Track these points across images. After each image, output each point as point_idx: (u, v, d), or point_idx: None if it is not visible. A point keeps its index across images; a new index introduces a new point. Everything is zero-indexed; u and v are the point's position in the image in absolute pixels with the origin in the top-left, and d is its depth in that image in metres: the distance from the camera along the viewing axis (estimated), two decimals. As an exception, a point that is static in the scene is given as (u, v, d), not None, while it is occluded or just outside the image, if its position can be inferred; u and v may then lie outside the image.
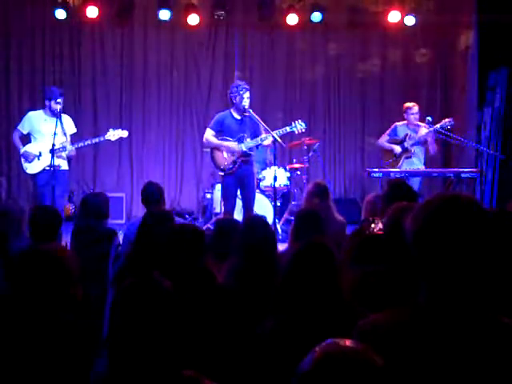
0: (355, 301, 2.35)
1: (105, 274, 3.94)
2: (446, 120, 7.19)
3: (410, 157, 7.24)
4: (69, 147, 6.58)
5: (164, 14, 8.86)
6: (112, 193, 8.11)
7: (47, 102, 6.62)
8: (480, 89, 9.30)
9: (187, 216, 8.93)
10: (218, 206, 8.06)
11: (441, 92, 9.77)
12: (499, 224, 2.47)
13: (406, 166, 7.23)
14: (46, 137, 6.53)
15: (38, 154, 6.54)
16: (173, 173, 9.72)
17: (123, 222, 8.54)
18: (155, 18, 9.00)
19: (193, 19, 8.99)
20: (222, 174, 6.55)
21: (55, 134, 6.37)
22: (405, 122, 7.34)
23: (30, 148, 6.59)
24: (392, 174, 6.86)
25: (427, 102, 9.63)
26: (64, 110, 6.79)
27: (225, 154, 6.45)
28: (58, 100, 6.54)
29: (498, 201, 9.11)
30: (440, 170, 7.92)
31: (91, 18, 8.89)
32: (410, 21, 9.06)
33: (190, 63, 9.66)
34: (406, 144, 7.27)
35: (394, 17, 9.05)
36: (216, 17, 9.23)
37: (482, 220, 1.54)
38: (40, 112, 6.70)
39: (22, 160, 6.60)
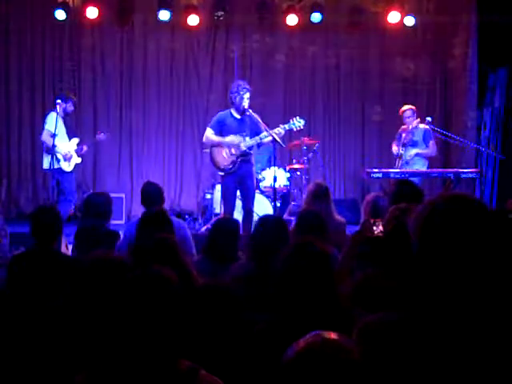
0: (356, 303, 2.35)
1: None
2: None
3: (407, 162, 7.37)
4: (85, 147, 7.29)
5: (164, 15, 8.85)
6: (112, 193, 8.10)
7: (63, 104, 7.00)
8: (480, 89, 9.31)
9: (187, 217, 8.92)
10: (218, 207, 8.05)
11: (440, 92, 9.77)
12: (500, 223, 2.48)
13: (403, 167, 7.39)
14: (65, 137, 7.03)
15: (67, 153, 7.06)
16: (173, 173, 9.72)
17: (123, 222, 8.53)
18: (155, 19, 8.99)
19: (193, 20, 8.99)
20: (222, 174, 6.54)
21: (55, 134, 6.62)
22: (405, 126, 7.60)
23: (62, 148, 7.00)
24: (392, 175, 6.87)
25: (427, 103, 9.66)
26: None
27: (224, 154, 6.44)
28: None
29: (497, 201, 9.12)
30: (440, 170, 7.93)
31: (91, 19, 8.88)
32: (409, 21, 9.05)
33: (190, 64, 9.66)
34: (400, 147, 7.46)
35: (393, 17, 9.04)
36: (216, 17, 9.23)
37: (486, 219, 1.55)
38: (56, 114, 7.00)
39: (60, 157, 6.97)
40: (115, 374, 1.71)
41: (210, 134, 6.53)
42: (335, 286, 2.36)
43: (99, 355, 1.81)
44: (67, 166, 7.09)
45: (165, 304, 1.77)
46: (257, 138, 6.39)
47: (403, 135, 7.45)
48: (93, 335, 2.12)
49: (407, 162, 7.38)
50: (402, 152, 7.37)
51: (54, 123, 6.90)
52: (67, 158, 7.06)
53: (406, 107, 7.65)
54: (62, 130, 6.98)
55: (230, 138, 6.41)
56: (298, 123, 6.43)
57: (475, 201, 1.57)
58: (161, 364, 1.72)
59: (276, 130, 6.24)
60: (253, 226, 3.78)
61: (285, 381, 1.39)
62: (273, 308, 2.38)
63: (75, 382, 1.73)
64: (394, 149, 7.54)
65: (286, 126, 6.40)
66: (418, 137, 7.41)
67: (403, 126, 7.60)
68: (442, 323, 1.51)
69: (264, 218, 3.73)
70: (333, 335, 1.42)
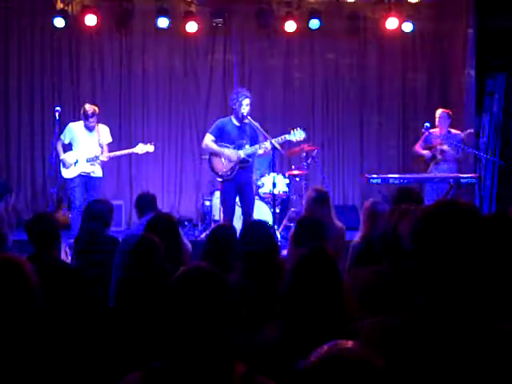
0: (364, 301, 2.35)
1: (107, 279, 3.93)
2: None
3: (439, 163, 7.42)
4: (101, 157, 7.35)
5: (162, 22, 8.87)
6: (111, 200, 8.10)
7: (83, 119, 7.29)
8: (478, 95, 9.32)
9: (186, 223, 8.91)
10: (218, 213, 8.05)
11: (439, 98, 9.78)
12: (499, 227, 2.47)
13: (435, 171, 7.49)
14: (84, 146, 7.29)
15: (75, 161, 7.27)
16: (172, 180, 9.72)
17: (122, 229, 8.53)
18: (154, 26, 9.02)
19: (191, 27, 9.00)
20: (221, 180, 6.56)
21: (54, 142, 6.81)
22: (437, 129, 7.64)
23: (68, 156, 7.30)
24: (391, 180, 6.87)
25: (425, 108, 9.65)
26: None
27: (223, 161, 6.46)
28: (91, 120, 7.25)
29: (497, 206, 9.12)
30: (440, 175, 7.92)
31: (90, 26, 8.89)
32: (407, 27, 9.07)
33: (189, 71, 9.68)
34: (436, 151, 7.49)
35: (391, 23, 9.06)
36: (214, 24, 9.26)
37: (480, 226, 1.55)
38: (81, 123, 7.33)
39: (61, 165, 7.36)
40: (171, 377, 1.68)
41: (209, 141, 6.54)
42: (343, 293, 2.35)
43: (155, 356, 1.77)
44: (65, 172, 7.34)
45: (221, 303, 1.72)
46: (256, 146, 6.43)
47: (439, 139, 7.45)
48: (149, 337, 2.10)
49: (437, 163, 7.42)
50: (440, 157, 7.38)
51: (68, 133, 7.32)
52: (66, 166, 7.31)
53: (439, 111, 7.74)
54: (82, 140, 7.28)
55: (228, 152, 6.42)
56: (298, 134, 6.55)
57: (469, 207, 1.58)
58: (217, 368, 1.68)
59: (276, 139, 6.31)
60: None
61: None
62: (281, 318, 2.36)
63: (128, 381, 1.71)
64: (425, 152, 7.55)
65: (287, 136, 6.56)
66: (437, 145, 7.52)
67: (433, 130, 7.64)
68: (438, 326, 1.51)
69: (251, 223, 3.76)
70: (352, 344, 1.37)
